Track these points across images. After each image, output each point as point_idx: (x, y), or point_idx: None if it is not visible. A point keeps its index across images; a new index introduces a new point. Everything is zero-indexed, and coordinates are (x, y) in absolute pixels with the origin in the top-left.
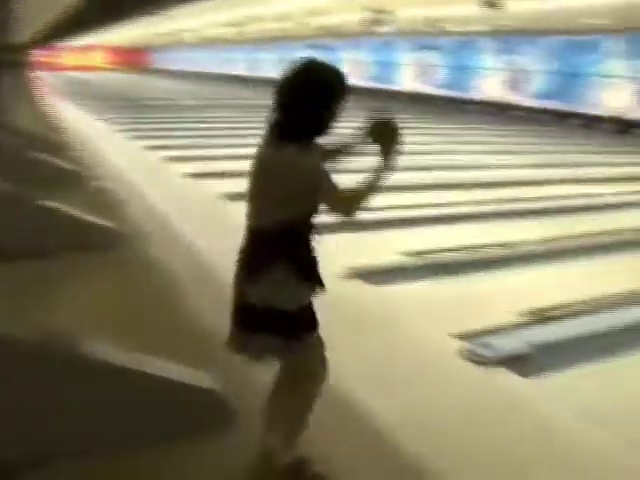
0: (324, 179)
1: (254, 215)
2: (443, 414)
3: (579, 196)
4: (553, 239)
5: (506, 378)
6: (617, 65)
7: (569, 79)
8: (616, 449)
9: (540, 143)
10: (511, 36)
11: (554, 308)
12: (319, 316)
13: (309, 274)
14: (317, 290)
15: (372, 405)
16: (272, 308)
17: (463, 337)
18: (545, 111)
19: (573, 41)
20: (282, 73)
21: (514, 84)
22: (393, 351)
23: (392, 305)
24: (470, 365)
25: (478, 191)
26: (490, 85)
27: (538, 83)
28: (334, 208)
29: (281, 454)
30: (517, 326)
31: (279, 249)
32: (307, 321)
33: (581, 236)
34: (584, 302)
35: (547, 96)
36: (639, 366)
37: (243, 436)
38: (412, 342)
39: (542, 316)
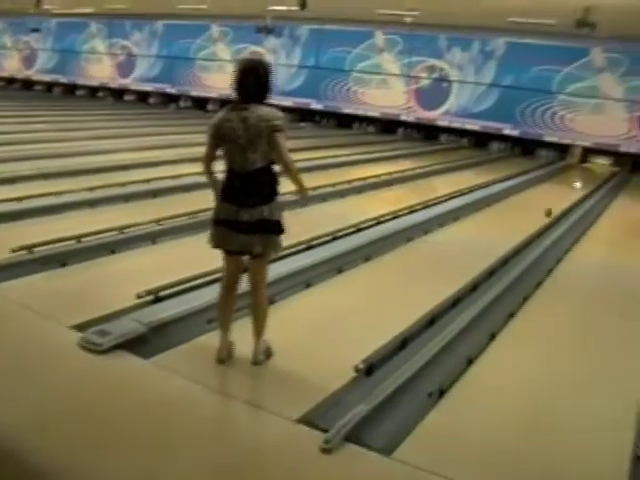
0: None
1: (249, 162)
2: (62, 404)
3: (190, 175)
4: (166, 218)
5: (125, 361)
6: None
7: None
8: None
9: (152, 125)
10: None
11: (170, 286)
12: None
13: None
14: None
15: None
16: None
17: (81, 327)
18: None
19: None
20: (241, 64)
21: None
22: (4, 350)
23: (4, 304)
24: (89, 354)
25: (88, 177)
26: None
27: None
28: (281, 147)
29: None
30: (134, 308)
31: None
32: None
33: (193, 214)
34: (197, 277)
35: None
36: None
37: None
38: (27, 339)
39: (159, 295)
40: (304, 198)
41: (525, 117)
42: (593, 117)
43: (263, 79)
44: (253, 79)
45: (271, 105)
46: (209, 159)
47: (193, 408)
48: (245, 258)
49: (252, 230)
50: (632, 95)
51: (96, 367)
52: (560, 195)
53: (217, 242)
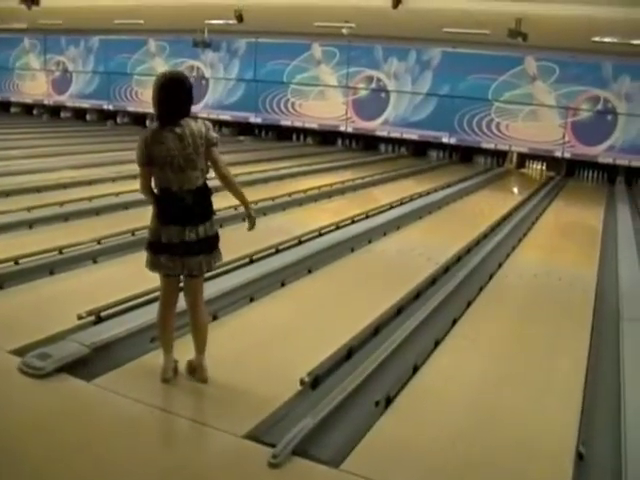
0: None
1: (190, 180)
2: (2, 431)
3: (130, 192)
4: (106, 237)
5: (67, 384)
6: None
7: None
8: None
9: (89, 142)
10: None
11: (112, 305)
12: None
13: None
14: None
15: None
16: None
17: (21, 352)
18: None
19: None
20: (163, 78)
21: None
22: None
23: None
24: (30, 379)
25: (26, 197)
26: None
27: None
28: (220, 162)
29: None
30: (76, 330)
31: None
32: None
33: (133, 231)
34: (139, 295)
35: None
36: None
37: None
38: None
39: (100, 315)
40: (251, 217)
41: (463, 125)
42: (528, 124)
43: (190, 92)
44: (182, 93)
45: (196, 117)
46: (149, 185)
47: (138, 429)
48: (181, 276)
49: (198, 251)
50: (564, 102)
51: (38, 392)
52: (499, 200)
53: (160, 269)
